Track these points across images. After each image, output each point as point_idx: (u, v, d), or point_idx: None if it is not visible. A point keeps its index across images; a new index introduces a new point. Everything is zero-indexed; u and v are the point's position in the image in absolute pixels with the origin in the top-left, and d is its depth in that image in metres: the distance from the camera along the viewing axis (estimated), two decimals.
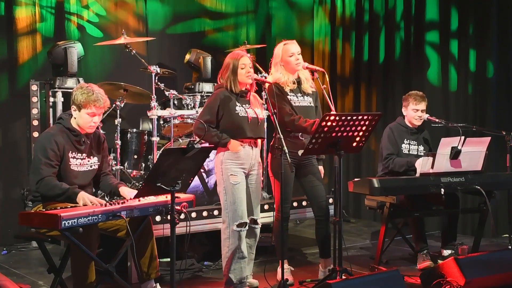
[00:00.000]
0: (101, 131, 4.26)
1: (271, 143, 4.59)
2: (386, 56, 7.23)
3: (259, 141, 4.41)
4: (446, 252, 5.11)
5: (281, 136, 3.95)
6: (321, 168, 4.68)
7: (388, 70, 7.21)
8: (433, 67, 6.76)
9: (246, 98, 4.34)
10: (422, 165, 4.71)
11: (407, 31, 6.98)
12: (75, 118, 3.97)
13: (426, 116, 5.24)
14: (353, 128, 4.05)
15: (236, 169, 4.24)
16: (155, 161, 5.42)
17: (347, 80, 7.67)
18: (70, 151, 3.94)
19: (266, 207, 5.18)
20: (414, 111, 5.18)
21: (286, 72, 4.52)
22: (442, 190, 4.62)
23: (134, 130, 5.95)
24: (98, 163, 4.13)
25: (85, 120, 3.94)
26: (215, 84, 4.50)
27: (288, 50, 4.52)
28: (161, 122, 5.81)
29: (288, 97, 4.46)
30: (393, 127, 5.23)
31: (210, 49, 7.36)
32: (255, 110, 4.34)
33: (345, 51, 7.69)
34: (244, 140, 4.26)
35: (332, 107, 4.29)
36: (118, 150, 5.66)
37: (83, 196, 3.78)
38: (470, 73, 6.45)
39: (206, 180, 5.30)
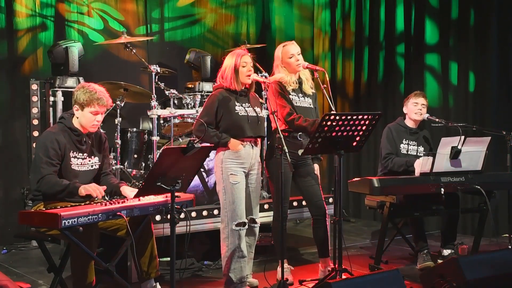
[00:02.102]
0: (102, 131, 4.27)
1: (269, 142, 4.59)
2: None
3: (259, 140, 4.41)
4: (446, 252, 5.10)
5: (281, 136, 3.95)
6: (316, 166, 4.65)
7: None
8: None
9: (246, 97, 4.34)
10: (422, 165, 4.70)
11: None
12: (77, 117, 3.98)
13: (426, 115, 5.23)
14: (353, 128, 4.04)
15: (236, 168, 4.24)
16: (155, 161, 5.42)
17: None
18: (71, 151, 3.94)
19: (266, 206, 5.18)
20: (414, 105, 5.17)
21: (289, 73, 4.53)
22: (442, 189, 4.62)
23: (134, 129, 5.95)
24: (99, 163, 4.13)
25: (89, 119, 3.95)
26: (214, 84, 4.50)
27: (287, 51, 4.52)
28: (161, 121, 5.81)
29: (290, 96, 4.46)
30: (392, 127, 5.23)
31: (210, 49, 7.38)
32: (255, 108, 4.34)
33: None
34: (245, 139, 4.27)
35: (333, 107, 4.28)
36: (118, 150, 5.67)
37: (84, 187, 3.79)
38: (470, 74, 6.46)
39: (206, 180, 5.30)
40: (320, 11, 8.06)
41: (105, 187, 3.86)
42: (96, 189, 3.77)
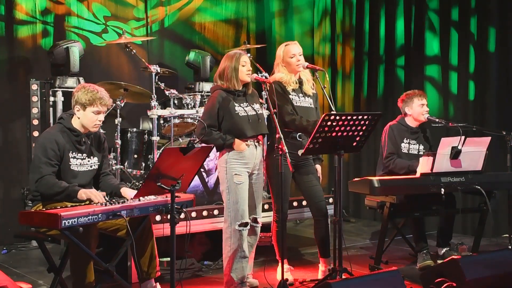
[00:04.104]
0: (101, 131, 4.27)
1: (269, 142, 4.59)
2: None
3: (261, 137, 4.41)
4: (443, 250, 5.11)
5: (281, 136, 3.95)
6: (318, 167, 4.67)
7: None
8: (434, 68, 6.79)
9: (244, 97, 4.34)
10: (422, 165, 4.70)
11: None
12: (78, 118, 3.98)
13: (427, 115, 5.23)
14: (353, 128, 4.05)
15: (240, 168, 4.23)
16: (155, 161, 5.42)
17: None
18: (71, 151, 3.94)
19: (266, 206, 5.18)
20: (420, 106, 5.14)
21: (288, 72, 4.53)
22: (442, 190, 4.62)
23: (134, 129, 5.95)
24: (98, 163, 4.13)
25: (91, 119, 3.95)
26: (212, 85, 4.49)
27: (289, 51, 4.52)
28: (161, 121, 5.81)
29: (290, 96, 4.46)
30: (393, 126, 5.21)
31: (210, 49, 7.37)
32: (253, 106, 4.33)
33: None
34: (248, 139, 4.26)
35: (333, 107, 4.29)
36: (118, 150, 5.67)
37: (84, 191, 3.78)
38: (470, 73, 6.46)
39: (206, 180, 5.30)
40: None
41: (104, 193, 3.84)
42: (97, 195, 3.76)
